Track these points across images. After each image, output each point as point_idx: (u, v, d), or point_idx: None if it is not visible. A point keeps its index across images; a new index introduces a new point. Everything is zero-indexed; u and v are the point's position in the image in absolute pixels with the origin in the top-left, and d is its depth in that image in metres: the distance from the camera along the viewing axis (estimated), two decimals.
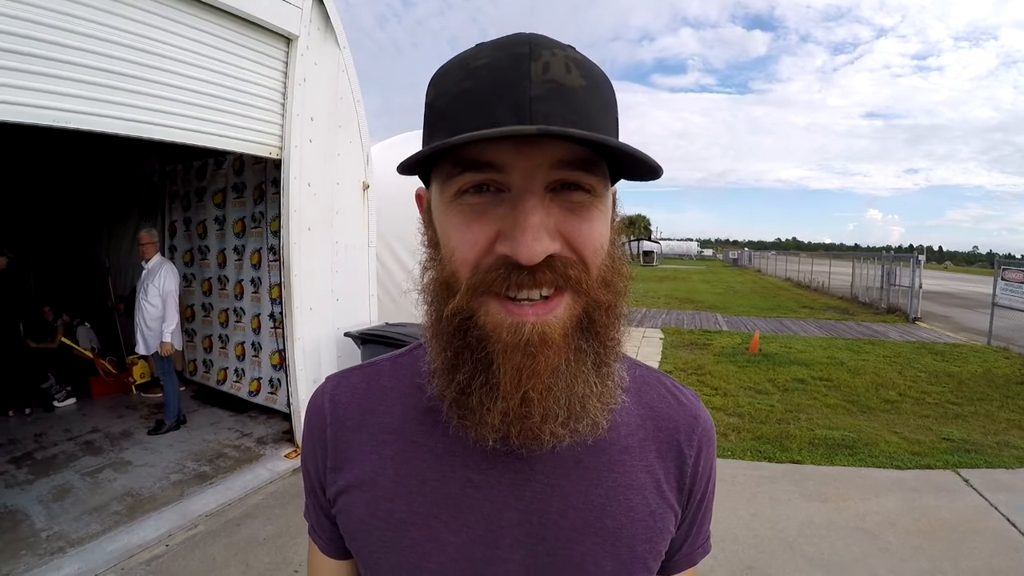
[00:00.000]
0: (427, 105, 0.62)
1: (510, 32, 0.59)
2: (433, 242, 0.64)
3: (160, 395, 6.13)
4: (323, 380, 0.82)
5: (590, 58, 0.60)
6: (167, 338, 5.83)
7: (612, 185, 0.64)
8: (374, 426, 0.74)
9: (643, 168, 0.57)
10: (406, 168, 0.59)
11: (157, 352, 5.88)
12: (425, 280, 0.65)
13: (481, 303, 0.57)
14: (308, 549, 0.88)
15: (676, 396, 0.79)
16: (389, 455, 0.71)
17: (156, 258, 5.95)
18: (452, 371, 0.61)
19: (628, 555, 0.69)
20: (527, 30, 0.60)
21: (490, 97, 0.54)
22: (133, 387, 7.19)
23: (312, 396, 0.80)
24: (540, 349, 0.56)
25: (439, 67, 0.62)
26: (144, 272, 5.92)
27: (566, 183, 0.56)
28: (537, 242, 0.53)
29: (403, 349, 0.82)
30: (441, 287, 0.61)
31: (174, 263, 6.98)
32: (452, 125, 0.56)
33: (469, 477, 0.68)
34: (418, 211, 0.72)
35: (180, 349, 6.33)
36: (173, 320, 5.85)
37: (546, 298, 0.57)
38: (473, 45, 0.61)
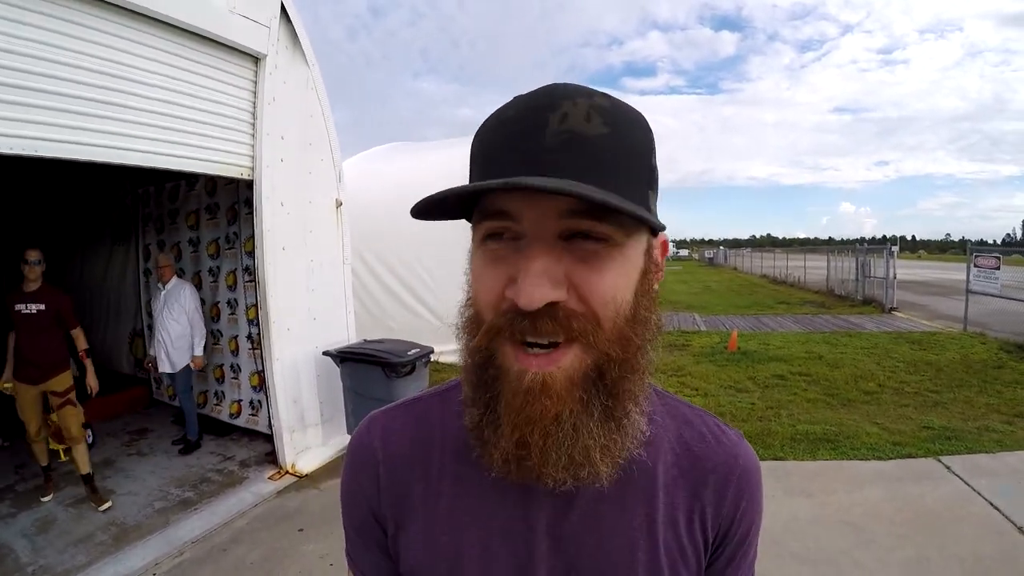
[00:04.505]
0: (470, 155, 0.66)
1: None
2: (469, 282, 0.67)
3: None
4: (366, 418, 0.83)
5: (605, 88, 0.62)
6: (199, 352, 6.08)
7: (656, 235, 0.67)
8: (427, 463, 0.75)
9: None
10: (420, 212, 0.60)
11: (182, 371, 6.05)
12: (464, 316, 0.67)
13: (498, 345, 0.60)
14: None
15: (716, 436, 0.79)
16: (445, 491, 0.73)
17: (175, 280, 6.09)
18: (471, 404, 0.65)
19: None
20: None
21: (504, 150, 0.58)
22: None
23: (357, 436, 0.81)
24: (538, 397, 0.57)
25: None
26: (162, 294, 6.04)
27: (580, 232, 0.57)
28: (535, 288, 0.54)
29: (450, 383, 0.83)
30: (468, 323, 0.65)
31: (148, 286, 7.01)
32: (475, 176, 0.61)
33: (515, 514, 0.70)
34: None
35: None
36: (201, 334, 6.10)
37: (555, 345, 0.58)
38: (511, 98, 0.64)
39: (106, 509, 4.77)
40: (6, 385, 4.95)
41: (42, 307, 4.89)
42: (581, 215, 0.56)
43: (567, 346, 0.58)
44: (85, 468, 4.92)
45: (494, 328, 0.59)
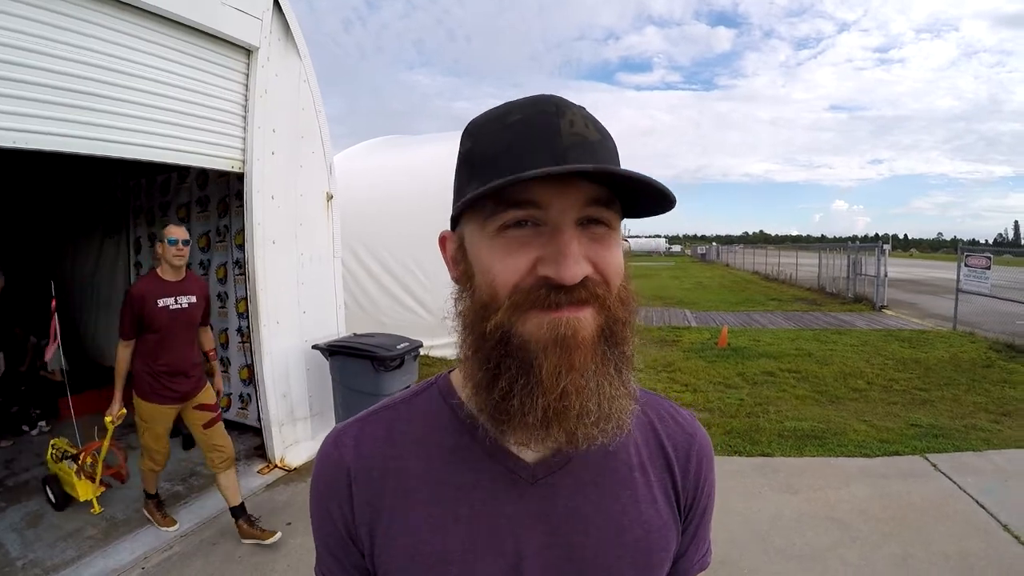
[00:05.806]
0: (464, 153, 0.71)
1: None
2: (466, 276, 0.71)
3: None
4: (332, 432, 0.84)
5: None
6: None
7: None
8: (402, 473, 0.76)
9: (654, 203, 0.67)
10: (463, 206, 0.66)
11: None
12: (459, 310, 0.72)
13: (518, 317, 0.64)
14: None
15: (674, 416, 0.89)
16: (422, 499, 0.74)
17: None
18: (494, 381, 0.66)
19: (647, 563, 0.76)
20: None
21: (530, 147, 0.63)
22: None
23: (324, 451, 0.83)
24: (574, 345, 0.63)
25: (472, 120, 0.72)
26: None
27: (591, 218, 0.65)
28: (577, 265, 0.62)
29: (414, 388, 0.86)
30: (480, 310, 0.67)
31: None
32: (496, 171, 0.63)
33: (498, 509, 0.73)
34: (440, 252, 0.79)
35: None
36: None
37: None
38: (503, 103, 0.71)
39: (275, 541, 4.05)
40: (120, 413, 4.07)
41: (193, 299, 4.03)
42: (598, 203, 0.64)
43: (587, 306, 0.64)
44: (237, 497, 4.19)
45: (518, 303, 0.63)
